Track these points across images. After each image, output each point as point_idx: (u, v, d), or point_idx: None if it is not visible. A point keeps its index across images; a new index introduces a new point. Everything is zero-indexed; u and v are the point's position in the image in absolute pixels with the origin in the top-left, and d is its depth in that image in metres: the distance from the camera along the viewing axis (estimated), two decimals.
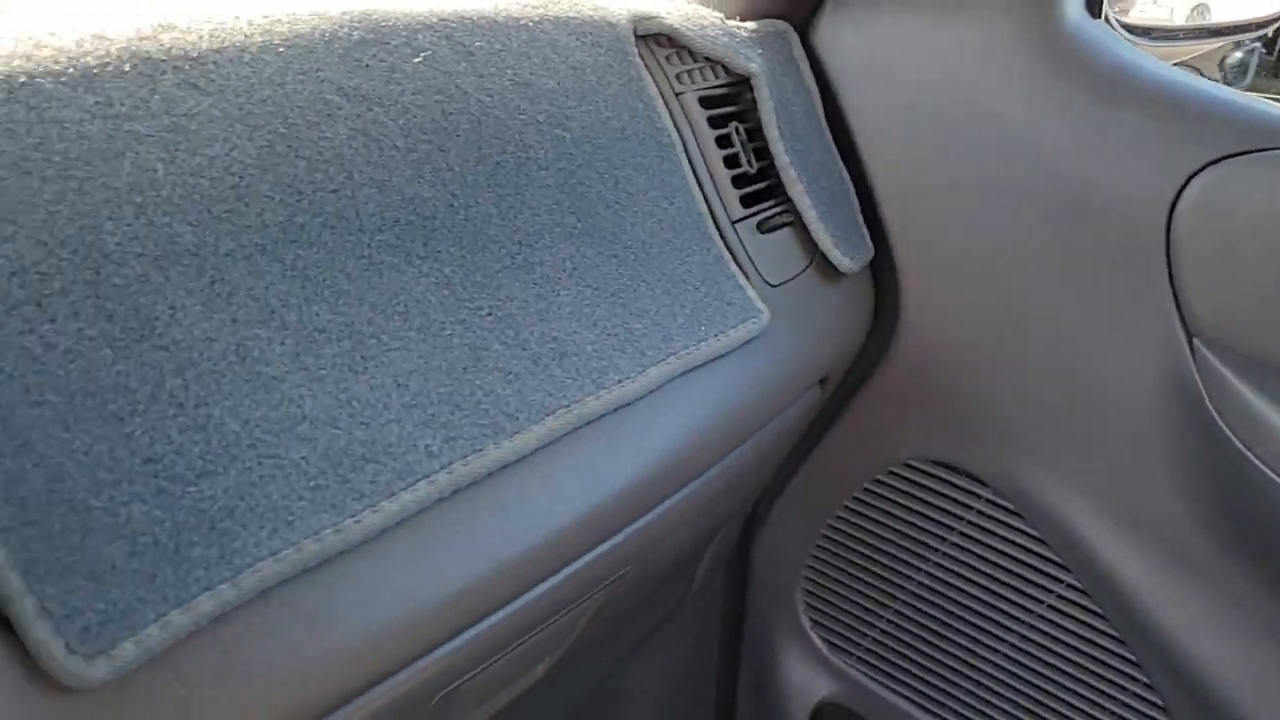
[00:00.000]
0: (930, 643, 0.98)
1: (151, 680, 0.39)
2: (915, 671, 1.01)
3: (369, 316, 0.51)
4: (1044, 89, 0.74)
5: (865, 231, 0.82)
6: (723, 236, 0.72)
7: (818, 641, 1.08)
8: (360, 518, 0.46)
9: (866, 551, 0.99)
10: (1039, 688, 0.92)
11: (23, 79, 0.44)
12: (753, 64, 0.76)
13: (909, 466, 0.92)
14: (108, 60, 0.47)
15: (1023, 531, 0.87)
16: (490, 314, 0.56)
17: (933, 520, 0.93)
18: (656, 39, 0.74)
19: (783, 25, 0.82)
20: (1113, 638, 0.85)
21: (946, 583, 0.94)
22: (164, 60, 0.49)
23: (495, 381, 0.54)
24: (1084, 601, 0.86)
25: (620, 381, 0.59)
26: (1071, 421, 0.80)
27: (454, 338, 0.53)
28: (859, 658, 1.05)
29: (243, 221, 0.48)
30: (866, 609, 1.02)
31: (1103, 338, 0.76)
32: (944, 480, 0.90)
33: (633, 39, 0.71)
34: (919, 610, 0.98)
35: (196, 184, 0.47)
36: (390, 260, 0.53)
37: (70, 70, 0.46)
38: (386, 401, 0.49)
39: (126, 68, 0.47)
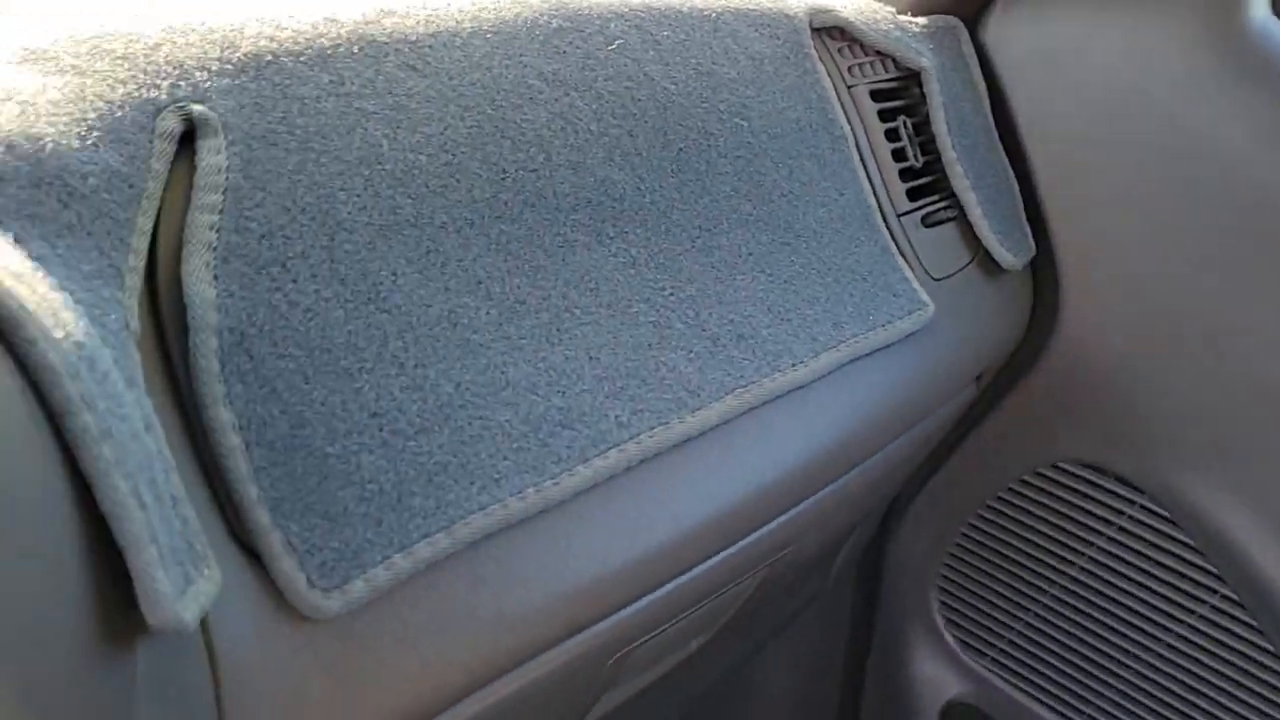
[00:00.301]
0: (1070, 648, 0.97)
1: (376, 617, 0.42)
2: (1052, 676, 1.00)
3: (563, 291, 0.53)
4: (1226, 90, 0.72)
5: (1028, 229, 0.82)
6: (889, 229, 0.73)
7: (950, 640, 1.07)
8: (558, 480, 0.48)
9: (1007, 552, 0.98)
10: (1185, 699, 0.90)
11: (269, 58, 0.47)
12: (923, 59, 0.77)
13: (1058, 468, 0.91)
14: (339, 42, 0.50)
15: (1177, 540, 0.86)
16: (672, 294, 0.57)
17: (1080, 524, 0.92)
18: (830, 32, 0.75)
19: (953, 21, 0.82)
20: (1270, 653, 0.84)
21: (1091, 588, 0.93)
22: (387, 43, 0.52)
23: (678, 359, 0.56)
24: (1239, 614, 0.84)
25: (794, 365, 0.60)
26: (1234, 429, 0.79)
27: (640, 315, 0.56)
28: (993, 658, 1.04)
29: (454, 196, 0.50)
30: (1003, 610, 1.01)
31: (1271, 345, 0.74)
32: (1094, 484, 0.89)
33: (809, 31, 0.72)
34: (1060, 614, 0.97)
35: (415, 160, 0.50)
36: (583, 239, 0.55)
37: (308, 51, 0.49)
38: (580, 372, 0.52)
39: (355, 49, 0.50)
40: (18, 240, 0.34)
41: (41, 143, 0.38)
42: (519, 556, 0.47)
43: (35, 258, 0.34)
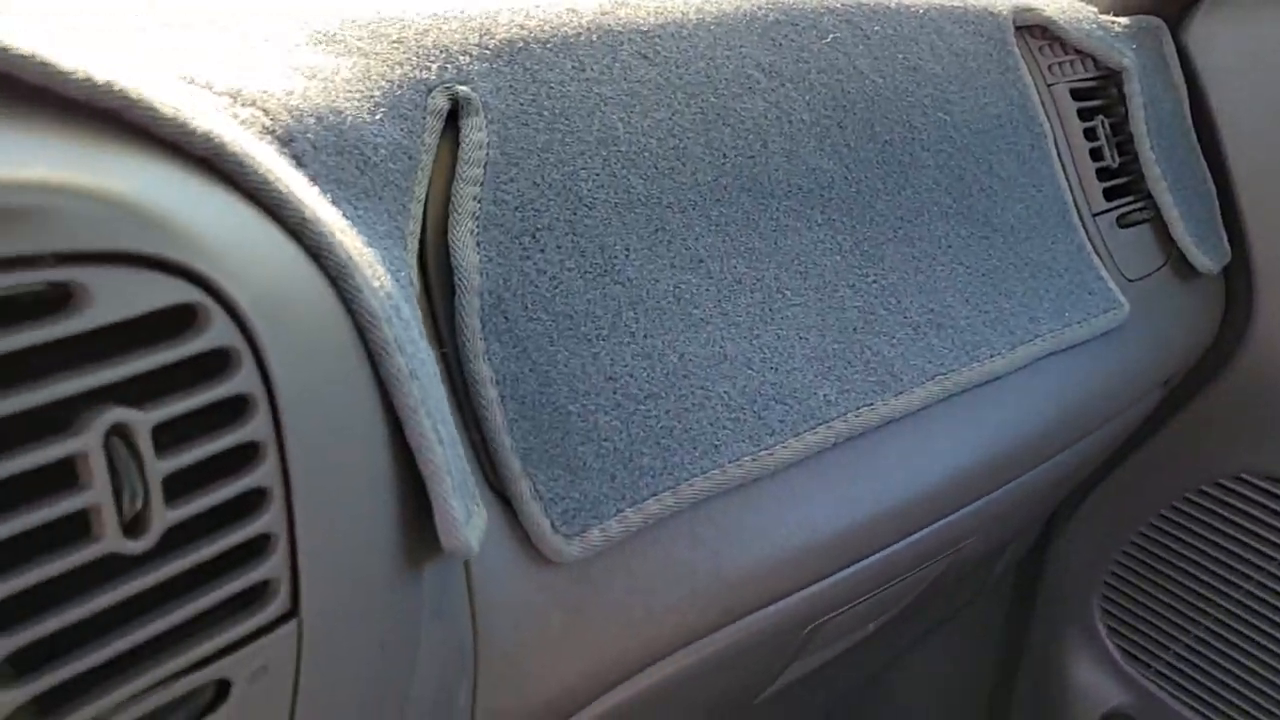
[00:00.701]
0: (1242, 664, 0.95)
1: (607, 565, 0.45)
2: (1220, 691, 0.98)
3: (775, 273, 0.55)
4: None
5: (1224, 233, 0.81)
6: (1085, 227, 0.73)
7: (1112, 649, 1.06)
8: (772, 450, 0.50)
9: (1179, 562, 0.96)
10: None
11: (520, 45, 0.51)
12: (1125, 59, 0.76)
13: (1240, 480, 0.89)
14: (580, 31, 0.54)
15: None
16: (876, 281, 0.59)
17: (1260, 537, 0.90)
18: (1032, 30, 0.75)
19: (1155, 21, 0.81)
20: None
21: (1269, 604, 0.91)
22: (622, 33, 0.55)
23: (881, 344, 0.57)
24: None
25: (992, 356, 0.61)
26: None
27: (846, 300, 0.58)
28: (1157, 670, 1.03)
29: (680, 178, 0.53)
30: (1172, 621, 0.99)
31: None
32: (1277, 496, 0.87)
33: (1012, 29, 0.73)
34: (1232, 629, 0.95)
35: (646, 143, 0.53)
36: (793, 224, 0.57)
37: (553, 39, 0.52)
38: (791, 351, 0.54)
39: (594, 38, 0.54)
40: (332, 202, 0.38)
41: (343, 116, 0.42)
42: (735, 520, 0.49)
43: (344, 219, 0.38)
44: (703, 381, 0.50)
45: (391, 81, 0.46)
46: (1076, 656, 1.09)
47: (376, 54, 0.47)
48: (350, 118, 0.42)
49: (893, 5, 0.67)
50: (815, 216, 0.58)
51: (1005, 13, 0.73)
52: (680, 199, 0.53)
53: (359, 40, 0.47)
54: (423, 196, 0.45)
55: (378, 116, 0.44)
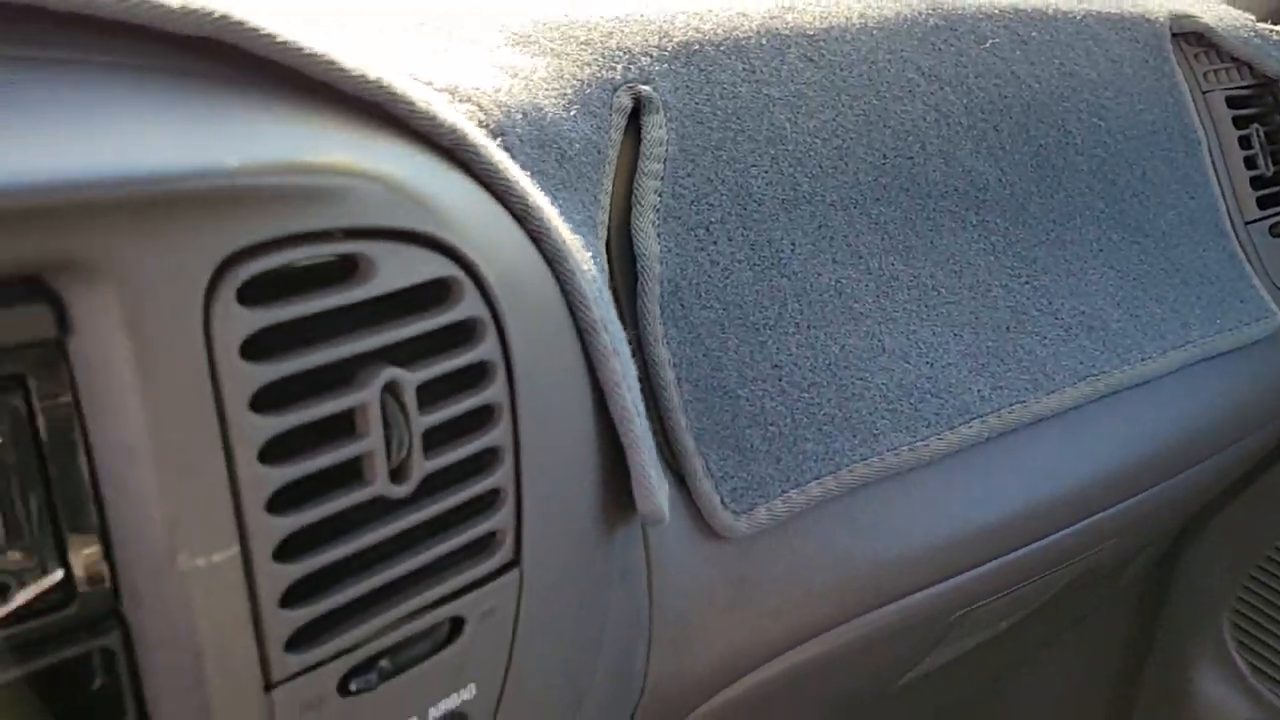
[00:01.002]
0: None
1: (771, 544, 0.48)
2: None
3: (931, 271, 0.57)
4: None
5: None
6: (1237, 235, 0.72)
7: (1241, 664, 1.04)
8: (927, 442, 0.52)
9: None
10: None
11: (695, 47, 0.54)
12: None
13: None
14: (750, 35, 0.56)
15: None
16: (1028, 282, 0.60)
17: None
18: (1188, 37, 0.75)
19: None
20: None
21: None
22: (789, 36, 0.57)
23: (1033, 343, 0.59)
24: None
25: (1143, 360, 0.62)
26: None
27: (998, 299, 0.59)
28: None
29: (842, 177, 0.55)
30: None
31: None
32: None
33: (1169, 36, 0.73)
34: None
35: (811, 143, 0.55)
36: (949, 224, 0.59)
37: (726, 41, 0.55)
38: (946, 346, 0.56)
39: (764, 41, 0.56)
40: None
41: (543, 112, 0.45)
42: (890, 507, 0.51)
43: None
44: (861, 373, 0.52)
45: (581, 80, 0.49)
46: (1204, 670, 1.07)
47: (567, 54, 0.50)
48: (549, 114, 0.45)
49: (1050, 11, 0.68)
50: (970, 217, 0.60)
51: (1162, 20, 0.73)
52: (842, 197, 0.55)
53: (551, 41, 0.50)
54: (609, 189, 0.47)
55: (571, 113, 0.47)
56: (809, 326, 0.52)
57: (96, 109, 0.26)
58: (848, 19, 0.60)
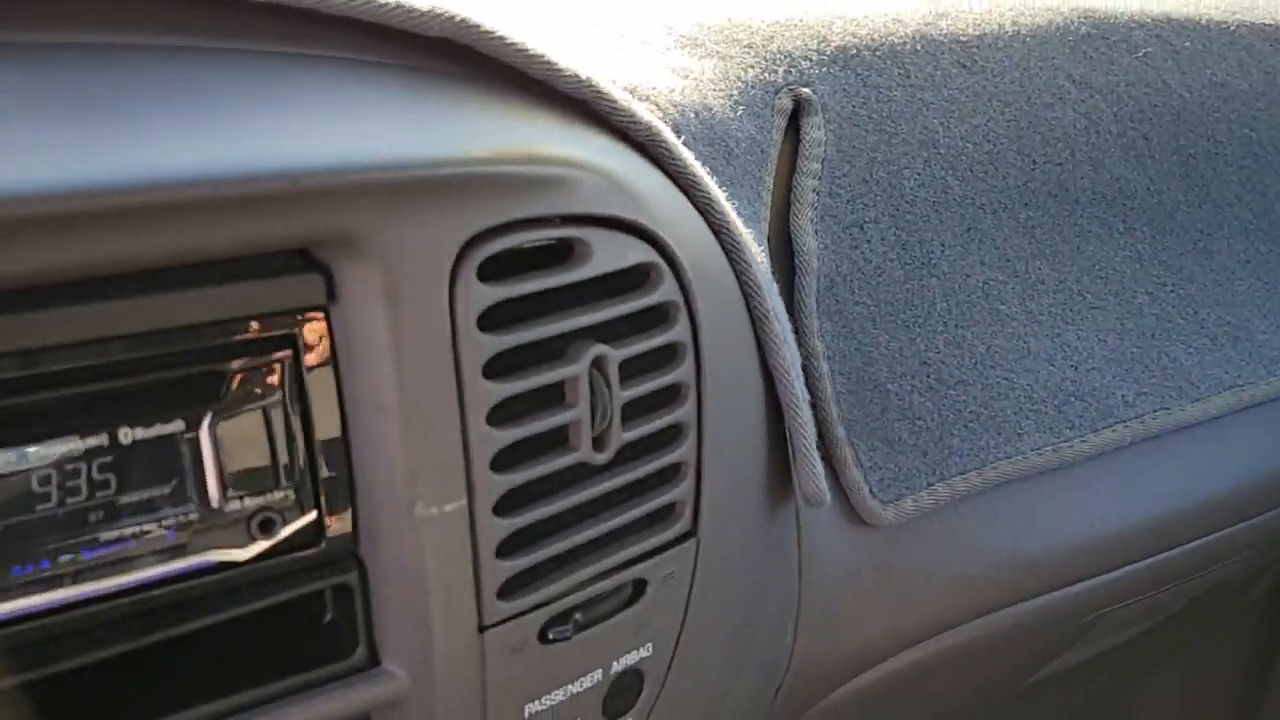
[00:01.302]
0: None
1: (916, 534, 0.49)
2: None
3: (1077, 276, 0.58)
4: None
5: None
6: None
7: None
8: (1071, 443, 0.53)
9: None
10: None
11: (852, 52, 0.55)
12: None
13: None
14: (905, 40, 0.57)
15: None
16: (1173, 291, 0.61)
17: None
18: None
19: None
20: None
21: None
22: (943, 42, 0.58)
23: (1178, 351, 0.59)
24: None
25: None
26: None
27: (1143, 307, 0.59)
28: None
29: (992, 182, 0.56)
30: None
31: None
32: None
33: None
34: None
35: (963, 147, 0.56)
36: (1096, 231, 0.59)
37: (881, 47, 0.57)
38: (1090, 351, 0.56)
39: (918, 47, 0.58)
40: None
41: (712, 112, 0.47)
42: (1033, 506, 0.52)
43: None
44: (1007, 373, 0.53)
45: (745, 82, 0.51)
46: None
47: (731, 57, 0.52)
48: (717, 114, 0.47)
49: (1203, 21, 0.68)
50: (1117, 224, 0.60)
51: None
52: (992, 201, 0.56)
53: (716, 44, 0.52)
54: (771, 187, 0.50)
55: (737, 113, 0.49)
56: (957, 326, 0.53)
57: (356, 101, 0.29)
58: (1000, 26, 0.61)
